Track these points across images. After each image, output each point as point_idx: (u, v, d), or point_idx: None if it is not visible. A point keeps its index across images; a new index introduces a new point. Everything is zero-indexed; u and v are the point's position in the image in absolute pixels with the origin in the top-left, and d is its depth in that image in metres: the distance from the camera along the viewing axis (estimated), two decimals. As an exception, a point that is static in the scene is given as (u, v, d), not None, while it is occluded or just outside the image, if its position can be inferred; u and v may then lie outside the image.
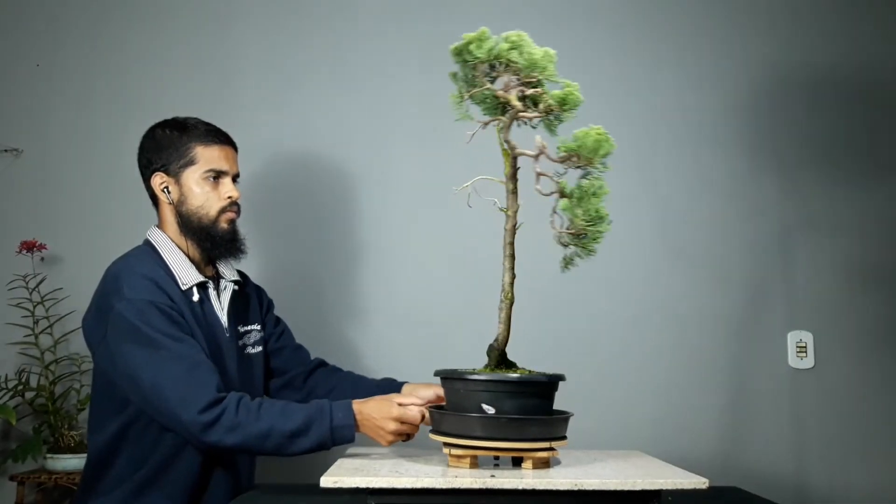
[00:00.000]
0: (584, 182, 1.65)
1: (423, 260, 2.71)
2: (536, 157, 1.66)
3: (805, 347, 2.68)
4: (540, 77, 1.62)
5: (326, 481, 1.56)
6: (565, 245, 1.68)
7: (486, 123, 1.70)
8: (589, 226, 1.63)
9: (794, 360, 2.68)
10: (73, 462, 2.45)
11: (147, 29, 2.79)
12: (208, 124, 2.06)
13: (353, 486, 1.57)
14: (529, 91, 1.64)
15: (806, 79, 2.79)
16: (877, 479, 2.65)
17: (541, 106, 1.64)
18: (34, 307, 2.56)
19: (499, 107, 1.69)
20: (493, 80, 1.67)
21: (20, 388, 2.52)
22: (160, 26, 2.79)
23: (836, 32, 2.81)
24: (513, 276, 1.72)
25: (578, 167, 1.65)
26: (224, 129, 2.08)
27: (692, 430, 2.66)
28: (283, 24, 2.80)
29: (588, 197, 1.62)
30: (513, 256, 1.72)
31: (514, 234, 1.72)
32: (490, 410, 1.64)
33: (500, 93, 1.66)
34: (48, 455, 2.49)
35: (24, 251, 2.56)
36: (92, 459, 1.99)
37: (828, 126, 2.77)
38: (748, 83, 2.79)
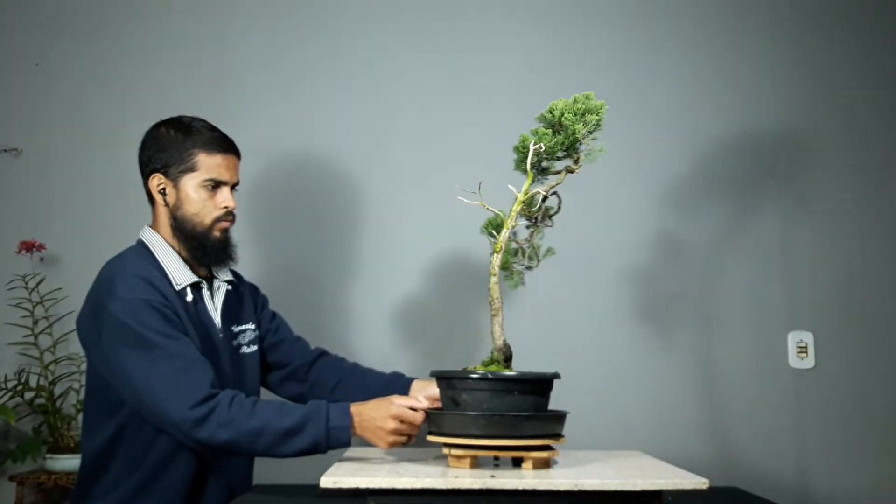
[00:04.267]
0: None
1: (420, 259, 2.70)
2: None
3: (805, 347, 2.67)
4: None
5: (326, 482, 1.56)
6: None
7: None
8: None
9: (794, 361, 2.67)
10: (73, 462, 2.44)
11: (145, 28, 2.79)
12: (214, 129, 2.02)
13: (353, 486, 1.57)
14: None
15: (808, 73, 2.78)
16: (878, 479, 2.64)
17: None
18: (33, 307, 2.56)
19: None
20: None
21: (19, 388, 2.52)
22: (158, 25, 2.79)
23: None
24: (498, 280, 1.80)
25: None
26: (221, 128, 2.05)
27: (692, 430, 2.65)
28: (281, 22, 2.79)
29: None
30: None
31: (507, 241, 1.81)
32: None
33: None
34: (47, 455, 2.49)
35: (24, 251, 2.56)
36: (86, 463, 1.97)
37: (828, 121, 2.77)
38: (749, 80, 2.78)
